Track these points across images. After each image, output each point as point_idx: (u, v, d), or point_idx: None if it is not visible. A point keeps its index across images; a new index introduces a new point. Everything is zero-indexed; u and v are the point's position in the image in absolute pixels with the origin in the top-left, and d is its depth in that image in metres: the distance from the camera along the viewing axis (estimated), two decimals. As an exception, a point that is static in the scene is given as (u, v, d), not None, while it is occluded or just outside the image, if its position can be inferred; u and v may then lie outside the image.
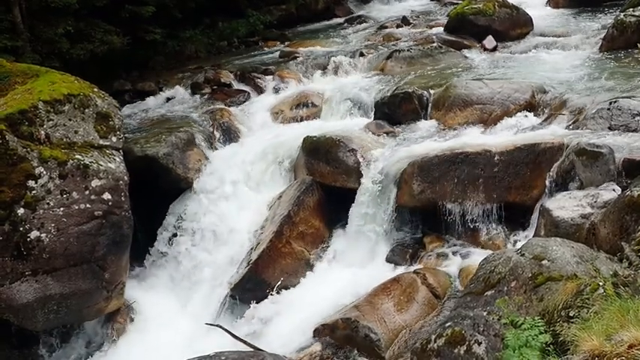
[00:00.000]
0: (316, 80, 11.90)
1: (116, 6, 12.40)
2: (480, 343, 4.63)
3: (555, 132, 7.62)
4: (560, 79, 9.23)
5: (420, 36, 13.47)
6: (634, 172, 6.15)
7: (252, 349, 6.79)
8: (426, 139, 8.47)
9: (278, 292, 7.94)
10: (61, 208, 7.27)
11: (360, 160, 8.35)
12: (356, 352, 6.67)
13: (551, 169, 6.99)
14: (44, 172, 7.24)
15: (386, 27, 15.23)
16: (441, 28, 13.59)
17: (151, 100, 11.94)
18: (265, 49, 15.21)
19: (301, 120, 10.53)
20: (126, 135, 8.84)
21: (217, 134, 10.05)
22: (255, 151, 9.65)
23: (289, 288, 8.02)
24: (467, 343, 4.71)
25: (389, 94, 9.69)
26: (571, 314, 3.99)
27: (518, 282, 4.70)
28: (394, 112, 9.43)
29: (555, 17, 13.93)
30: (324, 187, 8.79)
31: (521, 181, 7.26)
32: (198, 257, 8.76)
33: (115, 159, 7.93)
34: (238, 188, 9.20)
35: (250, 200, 9.14)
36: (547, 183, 7.02)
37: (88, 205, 7.41)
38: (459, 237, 7.78)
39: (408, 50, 11.93)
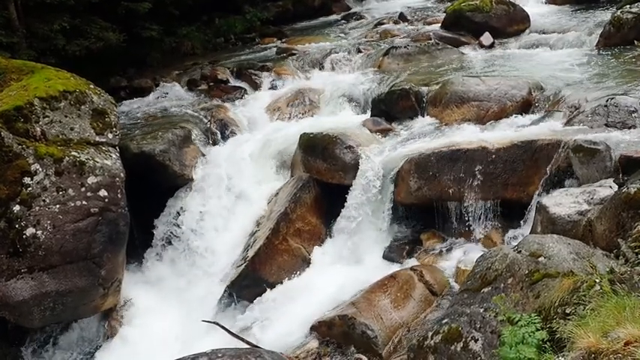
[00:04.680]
0: (313, 77, 11.89)
1: (112, 2, 12.36)
2: (476, 340, 4.63)
3: (552, 129, 7.61)
4: (557, 76, 9.22)
5: (416, 33, 13.46)
6: (631, 168, 6.14)
7: (249, 346, 6.78)
8: (423, 136, 8.46)
9: (275, 289, 7.94)
10: (57, 205, 7.24)
11: (357, 156, 8.33)
12: (353, 348, 6.67)
13: (548, 166, 6.99)
14: (40, 169, 7.22)
15: (383, 24, 15.22)
16: (438, 25, 13.59)
17: (147, 97, 11.92)
18: (262, 45, 15.19)
19: (298, 117, 10.50)
20: (122, 132, 8.81)
21: (214, 131, 10.02)
22: (251, 147, 9.63)
23: (286, 285, 8.02)
24: (463, 340, 4.70)
25: (386, 91, 9.68)
26: (567, 311, 3.97)
27: (514, 279, 4.69)
28: (391, 108, 9.42)
29: (552, 14, 13.90)
30: (321, 183, 8.78)
31: (517, 177, 7.26)
32: (195, 254, 8.76)
33: (111, 156, 7.90)
34: (235, 185, 9.19)
35: (247, 197, 9.13)
36: (544, 180, 7.02)
37: (84, 202, 7.39)
38: (456, 234, 7.80)
39: (405, 47, 11.90)
